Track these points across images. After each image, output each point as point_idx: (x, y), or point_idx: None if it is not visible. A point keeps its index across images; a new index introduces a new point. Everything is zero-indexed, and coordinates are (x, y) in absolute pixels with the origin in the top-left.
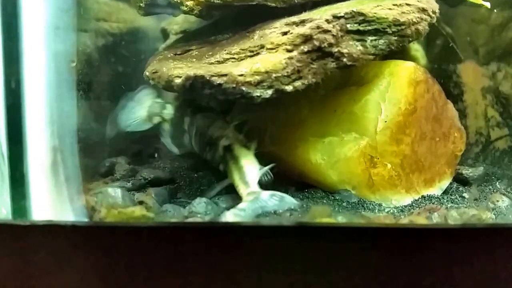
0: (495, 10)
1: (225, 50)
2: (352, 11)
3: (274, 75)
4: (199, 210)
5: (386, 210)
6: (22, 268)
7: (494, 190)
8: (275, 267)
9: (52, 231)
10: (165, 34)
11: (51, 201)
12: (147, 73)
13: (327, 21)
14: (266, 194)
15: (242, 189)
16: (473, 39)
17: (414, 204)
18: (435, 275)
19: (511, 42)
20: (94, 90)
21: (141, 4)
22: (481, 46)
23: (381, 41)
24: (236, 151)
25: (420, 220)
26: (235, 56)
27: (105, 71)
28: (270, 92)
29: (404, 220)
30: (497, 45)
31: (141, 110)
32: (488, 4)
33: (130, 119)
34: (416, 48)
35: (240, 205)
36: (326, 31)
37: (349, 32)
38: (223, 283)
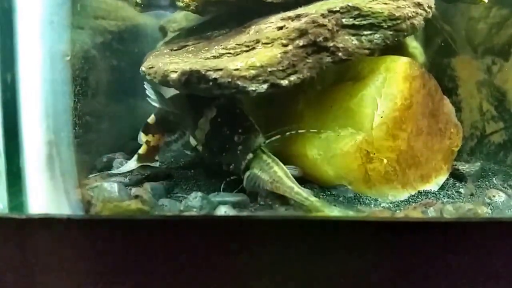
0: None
1: (221, 45)
2: (348, 5)
3: (269, 69)
4: (195, 204)
5: (382, 205)
6: (18, 261)
7: (491, 186)
8: (271, 260)
9: (48, 224)
10: (163, 32)
11: (47, 195)
12: (143, 69)
13: (323, 15)
14: None
15: (307, 196)
16: (471, 36)
17: (410, 200)
18: (430, 269)
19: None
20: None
21: (138, 1)
22: (479, 44)
23: (377, 36)
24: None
25: (416, 214)
26: (231, 51)
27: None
28: (265, 86)
29: (400, 214)
30: (495, 43)
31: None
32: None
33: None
34: (415, 46)
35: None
36: (321, 26)
37: (344, 26)
38: (219, 276)
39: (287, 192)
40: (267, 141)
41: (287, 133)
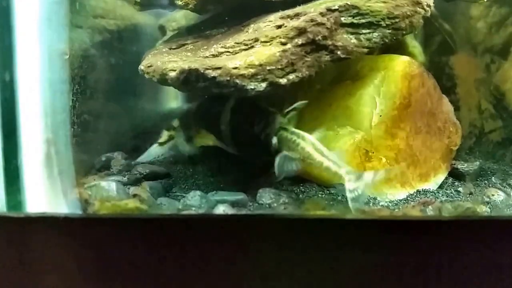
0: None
1: (220, 44)
2: (346, 4)
3: (268, 68)
4: (193, 203)
5: (381, 204)
6: (16, 260)
7: (490, 185)
8: (270, 259)
9: (46, 223)
10: (163, 31)
11: (45, 193)
12: (142, 67)
13: (321, 14)
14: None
15: (335, 170)
16: (470, 35)
17: (409, 199)
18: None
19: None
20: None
21: None
22: (478, 43)
23: (375, 34)
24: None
25: (414, 212)
26: (230, 49)
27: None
28: (264, 85)
29: (398, 213)
30: (494, 42)
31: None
32: None
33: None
34: (414, 45)
35: (350, 186)
36: (320, 24)
37: (343, 25)
38: (216, 273)
39: (317, 168)
40: (286, 118)
41: (301, 103)
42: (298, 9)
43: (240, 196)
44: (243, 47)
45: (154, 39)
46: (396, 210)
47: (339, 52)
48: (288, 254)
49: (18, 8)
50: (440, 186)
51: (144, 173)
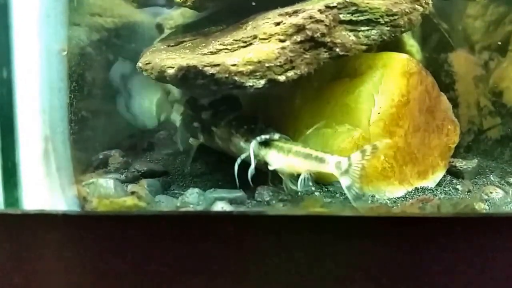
0: None
1: (218, 41)
2: (345, 1)
3: (266, 64)
4: (192, 201)
5: (379, 202)
6: (14, 257)
7: (488, 183)
8: (267, 256)
9: (44, 220)
10: (160, 29)
11: (43, 190)
12: (140, 64)
13: (320, 11)
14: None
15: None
16: (468, 34)
17: (407, 196)
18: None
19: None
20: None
21: None
22: (476, 42)
23: (374, 31)
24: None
25: (413, 209)
26: (228, 46)
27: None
28: (262, 82)
29: (397, 210)
30: (492, 41)
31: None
32: None
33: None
34: (411, 44)
35: (344, 182)
36: (318, 21)
37: (341, 22)
38: (215, 270)
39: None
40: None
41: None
42: (296, 6)
43: (238, 194)
44: (242, 44)
45: (152, 37)
46: (394, 207)
47: (337, 49)
48: (286, 251)
49: (16, 5)
50: (439, 184)
51: (142, 171)
